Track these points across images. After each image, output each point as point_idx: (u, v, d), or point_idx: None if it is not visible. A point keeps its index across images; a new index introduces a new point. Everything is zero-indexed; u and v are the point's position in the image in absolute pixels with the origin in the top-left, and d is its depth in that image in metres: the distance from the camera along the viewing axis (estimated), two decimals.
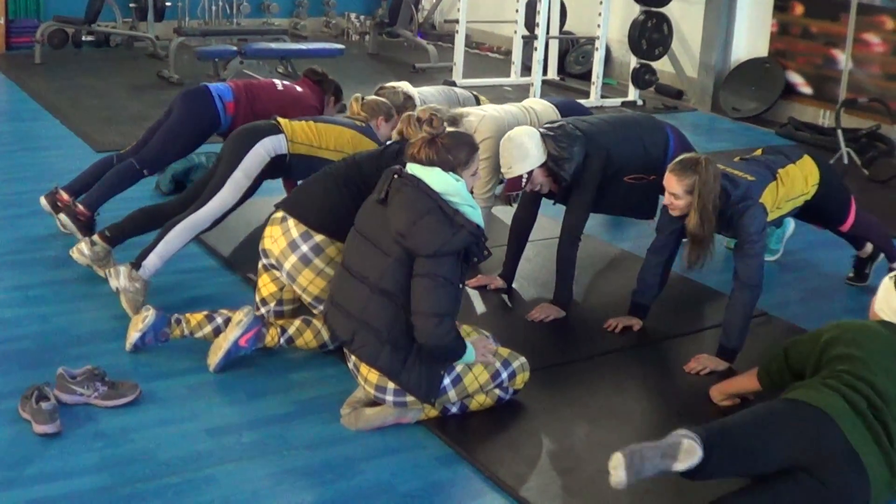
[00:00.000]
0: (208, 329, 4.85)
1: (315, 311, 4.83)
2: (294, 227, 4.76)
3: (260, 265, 4.96)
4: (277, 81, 6.71)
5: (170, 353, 4.76)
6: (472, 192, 4.35)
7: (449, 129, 4.33)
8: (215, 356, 4.69)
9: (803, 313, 5.60)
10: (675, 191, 4.87)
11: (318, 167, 5.41)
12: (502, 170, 5.42)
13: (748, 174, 5.04)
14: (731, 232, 5.03)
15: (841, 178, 6.13)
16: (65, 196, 6.23)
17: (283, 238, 4.77)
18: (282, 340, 4.77)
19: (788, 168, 5.29)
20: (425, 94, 6.69)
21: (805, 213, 5.53)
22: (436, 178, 4.14)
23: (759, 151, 5.59)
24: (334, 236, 4.69)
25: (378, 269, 4.14)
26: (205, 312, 4.90)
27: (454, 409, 4.35)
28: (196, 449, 4.11)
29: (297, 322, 4.82)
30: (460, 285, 4.19)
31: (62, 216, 6.07)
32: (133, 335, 4.79)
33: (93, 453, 4.04)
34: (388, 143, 5.27)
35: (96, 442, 4.12)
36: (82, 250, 5.60)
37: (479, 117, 6.09)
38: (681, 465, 3.44)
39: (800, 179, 5.33)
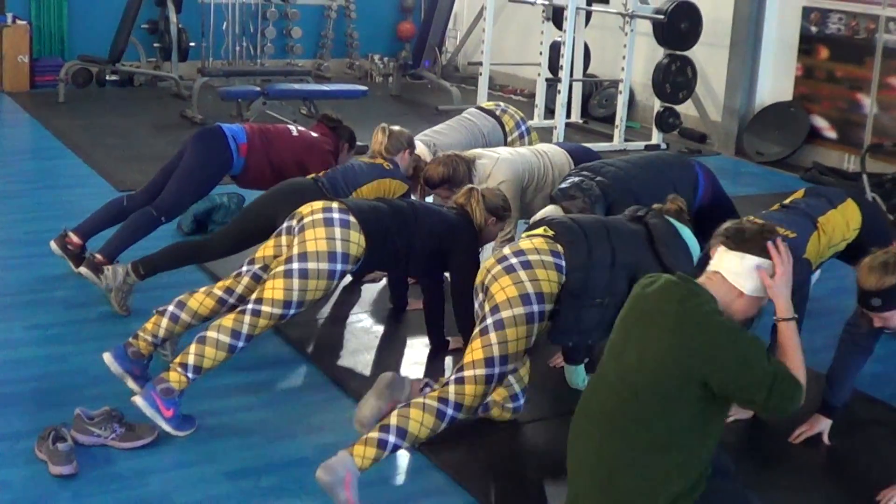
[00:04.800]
0: (165, 321, 4.83)
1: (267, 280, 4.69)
2: (337, 205, 4.76)
3: (275, 233, 4.95)
4: (292, 127, 6.67)
5: (187, 396, 4.69)
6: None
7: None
8: None
9: (829, 361, 5.53)
10: None
11: None
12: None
13: (790, 230, 4.93)
14: None
15: (884, 220, 6.00)
16: (75, 239, 6.21)
17: (321, 205, 4.76)
18: (189, 374, 4.49)
19: (829, 214, 5.18)
20: (443, 137, 6.68)
21: (845, 254, 5.41)
22: None
23: (800, 193, 5.48)
24: (365, 235, 4.73)
25: None
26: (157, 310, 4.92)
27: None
28: (213, 492, 4.07)
29: (192, 346, 4.53)
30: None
31: (83, 269, 6.01)
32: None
33: (109, 495, 4.00)
34: (450, 209, 5.25)
35: (112, 484, 4.08)
36: (117, 273, 5.61)
37: (493, 160, 6.07)
38: None
39: (841, 225, 5.21)
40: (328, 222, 4.66)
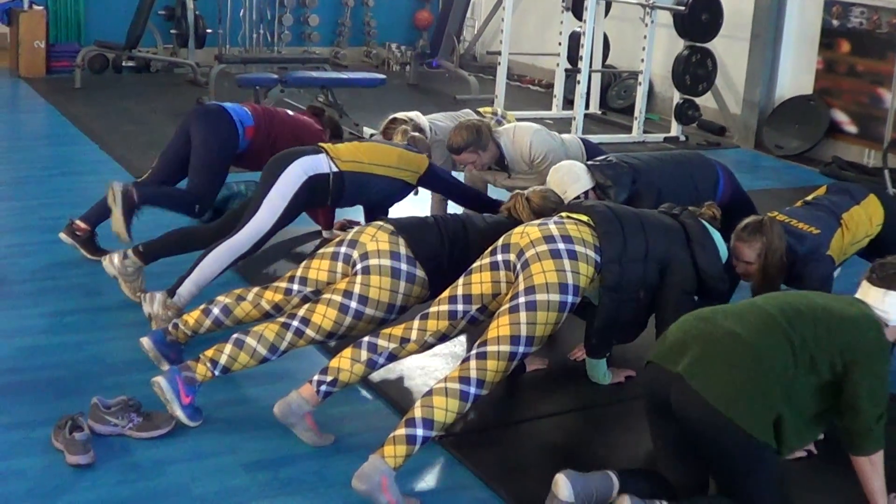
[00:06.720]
0: (208, 323, 4.85)
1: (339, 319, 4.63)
2: (404, 248, 4.67)
3: (327, 250, 4.83)
4: (289, 111, 6.74)
5: (206, 386, 4.65)
6: None
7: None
8: None
9: None
10: (748, 259, 4.81)
11: (369, 184, 5.54)
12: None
13: (813, 226, 4.92)
14: (797, 284, 4.92)
15: None
16: (82, 225, 6.22)
17: (388, 245, 4.66)
18: (216, 372, 4.51)
19: (853, 211, 5.16)
20: (438, 123, 6.72)
21: (866, 250, 5.36)
22: None
23: (822, 189, 5.46)
24: (430, 288, 4.71)
25: None
26: (201, 307, 4.89)
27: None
28: (231, 484, 4.03)
29: (228, 347, 4.54)
30: None
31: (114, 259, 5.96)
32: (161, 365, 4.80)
33: (126, 486, 3.97)
34: (498, 220, 5.13)
35: (130, 474, 4.05)
36: (113, 261, 5.58)
37: (513, 125, 6.31)
38: None
39: (864, 221, 5.19)
40: (395, 273, 4.62)
